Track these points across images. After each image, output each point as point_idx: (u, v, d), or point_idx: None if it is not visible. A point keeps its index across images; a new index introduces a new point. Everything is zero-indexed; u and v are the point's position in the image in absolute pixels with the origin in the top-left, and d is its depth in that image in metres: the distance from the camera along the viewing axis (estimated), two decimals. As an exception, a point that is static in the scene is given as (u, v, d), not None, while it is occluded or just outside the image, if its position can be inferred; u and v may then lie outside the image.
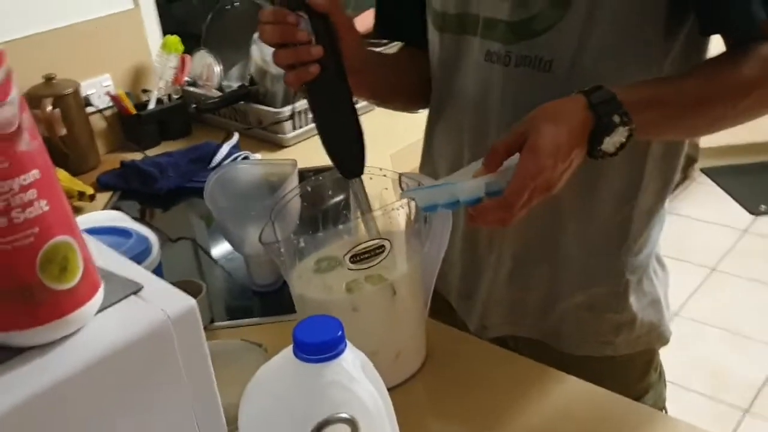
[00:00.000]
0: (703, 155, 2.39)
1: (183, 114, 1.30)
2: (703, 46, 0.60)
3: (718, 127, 0.59)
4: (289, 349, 0.37)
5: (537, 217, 0.52)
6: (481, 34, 0.61)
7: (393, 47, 0.82)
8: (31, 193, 0.30)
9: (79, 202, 1.06)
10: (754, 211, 2.23)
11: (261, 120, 1.25)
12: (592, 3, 0.55)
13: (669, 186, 0.66)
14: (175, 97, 1.30)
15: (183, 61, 1.31)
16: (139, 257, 0.67)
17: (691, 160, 2.39)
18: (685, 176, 2.39)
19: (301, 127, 1.24)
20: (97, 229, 0.69)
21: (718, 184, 2.38)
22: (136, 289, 0.34)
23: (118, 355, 0.31)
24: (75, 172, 1.14)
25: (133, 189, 1.13)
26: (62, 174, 1.07)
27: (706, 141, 2.32)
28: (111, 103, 1.26)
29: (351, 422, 0.34)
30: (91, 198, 1.07)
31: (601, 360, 0.68)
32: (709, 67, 0.58)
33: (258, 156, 1.16)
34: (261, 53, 1.23)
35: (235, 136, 1.19)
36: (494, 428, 0.57)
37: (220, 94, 1.30)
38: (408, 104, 0.78)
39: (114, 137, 1.28)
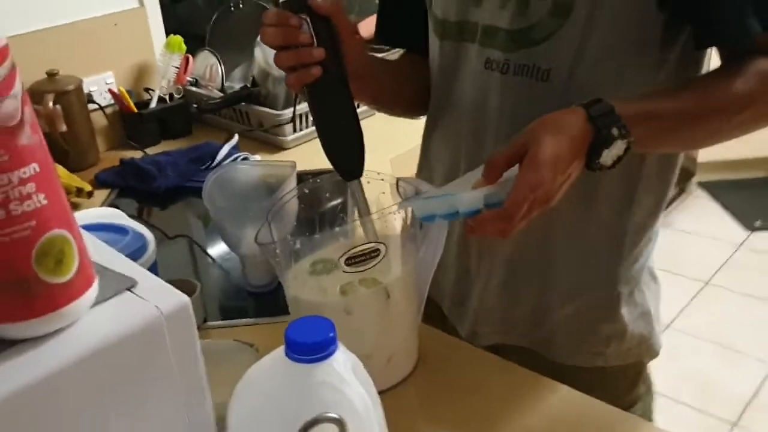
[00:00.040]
0: (700, 169, 2.40)
1: (184, 114, 1.31)
2: (700, 57, 0.61)
3: (714, 140, 0.59)
4: (280, 349, 0.37)
5: (531, 227, 0.52)
6: (481, 41, 0.62)
7: (395, 53, 0.82)
8: (30, 187, 0.31)
9: (76, 198, 1.06)
10: (749, 227, 2.24)
11: (262, 122, 1.25)
12: (590, 14, 0.56)
13: (663, 200, 0.66)
14: (177, 96, 1.31)
15: (186, 61, 1.31)
16: (134, 255, 0.67)
17: (688, 174, 2.40)
18: (682, 190, 2.40)
19: (301, 130, 1.24)
20: (94, 226, 0.70)
21: (715, 199, 2.39)
22: (130, 285, 0.35)
23: (110, 350, 0.31)
24: (74, 169, 1.14)
25: (131, 187, 1.13)
26: (61, 170, 1.07)
27: (704, 155, 2.34)
28: (113, 101, 1.27)
29: (339, 422, 0.34)
30: (89, 195, 1.07)
31: (591, 371, 0.69)
32: (706, 80, 0.58)
33: (257, 157, 1.16)
34: (264, 55, 1.23)
35: (236, 137, 1.20)
36: (484, 435, 0.57)
37: (221, 94, 1.30)
38: (408, 110, 0.78)
39: (114, 135, 1.28)
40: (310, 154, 1.01)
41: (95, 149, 1.23)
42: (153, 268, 0.70)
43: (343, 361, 0.36)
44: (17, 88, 0.30)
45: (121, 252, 0.38)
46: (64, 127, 1.11)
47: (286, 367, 0.36)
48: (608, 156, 0.51)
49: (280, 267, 0.61)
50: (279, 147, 1.24)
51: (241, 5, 1.37)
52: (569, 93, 0.57)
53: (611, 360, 0.69)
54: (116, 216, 0.76)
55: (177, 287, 0.34)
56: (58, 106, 1.11)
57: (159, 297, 0.34)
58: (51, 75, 1.14)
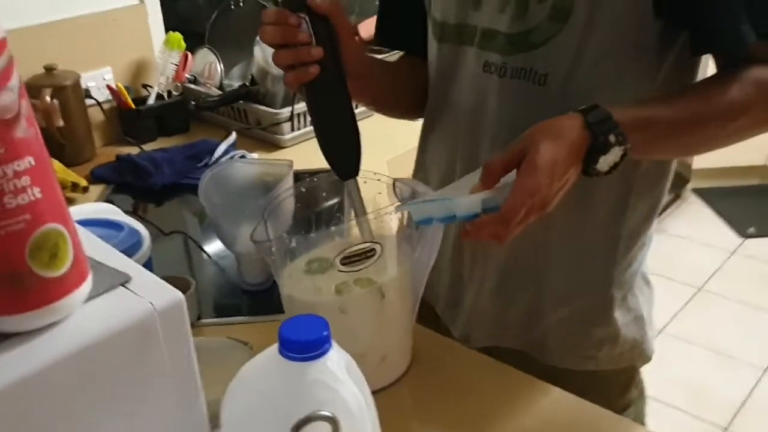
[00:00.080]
0: (694, 176, 2.41)
1: (182, 111, 1.31)
2: (696, 63, 0.61)
3: (709, 146, 0.60)
4: (274, 347, 0.37)
5: (525, 232, 0.53)
6: (479, 45, 0.62)
7: (394, 55, 0.82)
8: (25, 180, 0.30)
9: (72, 193, 1.05)
10: (742, 233, 2.25)
11: (260, 120, 1.25)
12: (589, 19, 0.56)
13: (657, 205, 0.67)
14: (175, 93, 1.31)
15: (185, 58, 1.31)
16: (129, 251, 0.67)
17: (683, 181, 2.41)
18: (677, 196, 2.42)
19: (299, 129, 1.24)
20: (89, 221, 0.69)
21: (709, 205, 2.41)
22: (124, 280, 0.35)
23: (103, 345, 0.31)
24: (70, 164, 1.13)
25: (127, 183, 1.13)
26: (56, 165, 1.07)
27: (699, 162, 2.36)
28: (110, 97, 1.26)
29: (332, 420, 0.34)
30: (84, 190, 1.07)
31: (584, 374, 0.69)
32: (702, 87, 0.58)
33: (255, 156, 1.16)
34: (263, 54, 1.23)
35: (233, 135, 1.20)
36: (476, 436, 0.57)
37: (220, 92, 1.30)
38: (407, 112, 0.79)
39: (111, 131, 1.28)
40: (307, 153, 1.01)
41: (92, 144, 1.22)
42: (148, 265, 0.69)
43: (336, 359, 0.36)
44: (14, 81, 0.30)
45: (116, 248, 0.38)
46: (60, 122, 1.11)
47: (279, 365, 0.36)
48: (605, 162, 0.52)
49: (276, 265, 0.61)
50: (276, 145, 1.24)
51: (241, 4, 1.37)
52: (566, 97, 0.58)
53: (603, 364, 0.69)
54: (111, 211, 0.76)
55: (171, 284, 0.34)
56: (55, 101, 1.10)
57: (153, 293, 0.34)
58: (49, 69, 1.14)
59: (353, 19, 1.57)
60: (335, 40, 0.59)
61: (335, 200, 0.67)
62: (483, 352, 0.69)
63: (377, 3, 0.78)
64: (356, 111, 0.61)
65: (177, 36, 1.29)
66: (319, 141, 0.60)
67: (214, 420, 0.37)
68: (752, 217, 2.32)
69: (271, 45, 0.59)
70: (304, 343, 0.35)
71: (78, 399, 0.31)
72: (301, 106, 1.22)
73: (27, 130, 0.31)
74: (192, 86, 1.34)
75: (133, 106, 1.25)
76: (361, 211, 0.60)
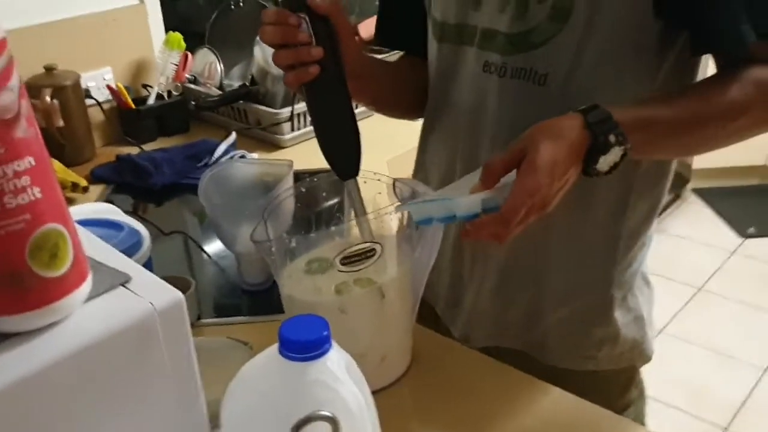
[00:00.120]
0: (695, 176, 2.42)
1: (182, 111, 1.31)
2: (696, 63, 0.61)
3: (709, 146, 0.60)
4: (274, 347, 0.37)
5: (525, 231, 0.53)
6: (479, 45, 0.62)
7: (394, 55, 0.82)
8: (25, 180, 0.30)
9: (72, 193, 1.05)
10: (742, 233, 2.26)
11: (260, 120, 1.25)
12: (589, 19, 0.56)
13: (657, 205, 0.67)
14: (175, 93, 1.31)
15: (185, 58, 1.31)
16: (129, 251, 0.67)
17: (683, 181, 2.41)
18: (677, 196, 2.42)
19: (299, 129, 1.24)
20: (89, 221, 0.69)
21: (709, 205, 2.41)
22: (124, 281, 0.35)
23: (103, 345, 0.31)
24: (70, 164, 1.13)
25: (127, 183, 1.13)
26: (56, 165, 1.07)
27: (699, 162, 2.36)
28: (110, 97, 1.26)
29: (332, 420, 0.34)
30: (84, 190, 1.07)
31: (584, 374, 0.69)
32: (702, 87, 0.58)
33: (255, 156, 1.16)
34: (263, 54, 1.23)
35: (233, 135, 1.20)
36: (477, 436, 0.57)
37: (220, 92, 1.30)
38: (407, 112, 0.79)
39: (111, 131, 1.28)
40: (307, 154, 1.00)
41: (92, 144, 1.22)
42: (148, 265, 0.69)
43: (336, 359, 0.36)
44: (14, 81, 0.30)
45: (116, 248, 0.38)
46: (60, 122, 1.11)
47: (279, 365, 0.36)
48: (605, 162, 0.52)
49: (276, 265, 0.61)
50: (277, 146, 1.24)
51: (241, 4, 1.37)
52: (566, 97, 0.58)
53: (603, 364, 0.69)
54: (111, 211, 0.76)
55: (171, 284, 0.34)
56: (55, 101, 1.10)
57: (153, 293, 0.34)
58: (49, 69, 1.14)
59: (353, 19, 1.57)
60: (335, 40, 0.59)
61: (335, 200, 0.67)
62: (483, 352, 0.69)
63: (377, 3, 0.78)
64: (356, 111, 0.61)
65: (177, 36, 1.29)
66: (319, 141, 0.60)
67: (214, 420, 0.37)
68: (752, 217, 2.32)
69: (271, 45, 0.59)
70: (304, 343, 0.35)
71: (78, 399, 0.31)
72: (301, 106, 1.22)
73: (27, 130, 0.31)
74: (192, 86, 1.34)
75: (133, 106, 1.25)
76: (361, 211, 0.60)
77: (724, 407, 1.61)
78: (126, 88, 1.26)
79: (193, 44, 1.34)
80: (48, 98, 1.09)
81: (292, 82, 0.59)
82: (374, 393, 0.40)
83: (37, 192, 0.31)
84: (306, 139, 1.23)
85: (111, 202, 1.04)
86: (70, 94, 1.15)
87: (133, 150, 1.21)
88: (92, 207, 0.82)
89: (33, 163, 0.31)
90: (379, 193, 0.64)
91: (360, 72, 0.63)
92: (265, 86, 1.25)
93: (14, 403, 0.29)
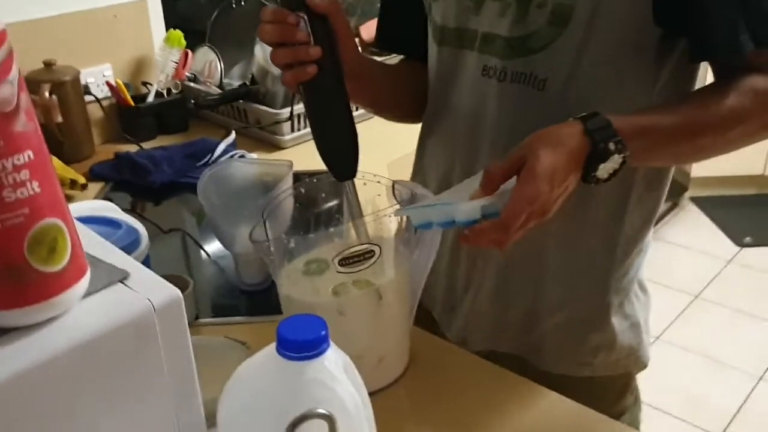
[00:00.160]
0: (692, 184, 2.43)
1: (181, 109, 1.30)
2: (694, 70, 0.62)
3: (706, 154, 0.60)
4: (271, 347, 0.37)
5: (524, 237, 0.53)
6: (479, 48, 0.62)
7: (394, 58, 0.82)
8: (24, 174, 0.30)
9: (70, 190, 1.05)
10: (739, 242, 2.26)
11: (260, 120, 1.25)
12: (588, 25, 0.56)
13: (655, 212, 0.67)
14: (175, 91, 1.30)
15: (185, 56, 1.31)
16: (127, 249, 0.67)
17: (680, 189, 2.42)
18: (675, 204, 2.43)
19: (299, 130, 1.24)
20: (87, 218, 0.69)
21: (706, 214, 2.42)
22: (122, 277, 0.34)
23: (100, 341, 0.31)
24: (68, 161, 1.13)
25: (126, 180, 1.12)
26: (55, 161, 1.06)
27: (697, 171, 2.37)
28: (110, 93, 1.26)
29: (328, 418, 0.34)
30: (83, 187, 1.07)
31: (579, 380, 0.69)
32: (699, 96, 0.59)
33: (254, 156, 1.16)
34: (264, 53, 1.23)
35: (233, 134, 1.20)
36: (473, 439, 0.57)
37: (220, 91, 1.30)
38: (405, 116, 0.78)
39: (110, 128, 1.28)
40: (307, 155, 1.00)
41: (90, 141, 1.22)
42: (145, 263, 0.69)
43: (334, 359, 0.36)
44: (14, 74, 0.30)
45: (114, 245, 0.38)
46: (59, 118, 1.10)
47: (277, 364, 0.36)
48: (604, 169, 0.52)
49: (274, 265, 0.61)
50: (276, 146, 1.23)
51: (242, 2, 1.37)
52: (565, 102, 0.58)
53: (599, 370, 0.69)
54: (110, 209, 0.76)
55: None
56: (54, 97, 1.10)
57: (151, 290, 0.33)
58: (48, 65, 1.14)
59: (355, 20, 1.57)
60: (334, 40, 0.59)
61: (334, 202, 0.67)
62: (479, 357, 0.69)
63: (379, 5, 0.78)
64: (356, 113, 0.61)
65: (177, 34, 1.28)
66: (316, 141, 0.60)
67: (211, 419, 0.37)
68: (749, 226, 2.33)
69: (270, 44, 0.59)
70: (302, 343, 0.35)
71: (75, 394, 0.31)
72: (301, 107, 1.22)
73: (26, 123, 0.31)
74: (192, 84, 1.34)
75: (133, 103, 1.25)
76: (357, 213, 0.60)
77: (718, 415, 1.62)
78: (125, 85, 1.26)
79: (193, 42, 1.34)
80: (47, 94, 1.09)
81: (290, 81, 0.59)
82: (371, 394, 0.40)
83: (36, 186, 0.31)
84: (306, 140, 1.23)
85: (109, 199, 1.04)
86: (69, 90, 1.15)
87: (132, 148, 1.21)
88: (90, 204, 0.82)
89: (32, 157, 0.31)
90: (379, 195, 0.64)
91: (358, 73, 0.63)
92: (266, 86, 1.25)
93: (12, 397, 0.29)
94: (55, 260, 0.31)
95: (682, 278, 2.07)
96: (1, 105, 0.29)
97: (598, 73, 0.58)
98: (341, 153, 0.60)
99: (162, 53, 1.29)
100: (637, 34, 0.57)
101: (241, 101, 1.26)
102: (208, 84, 1.34)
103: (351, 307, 0.59)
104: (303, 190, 0.67)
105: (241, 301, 0.84)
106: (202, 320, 0.77)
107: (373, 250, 0.56)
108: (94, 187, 1.10)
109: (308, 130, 1.24)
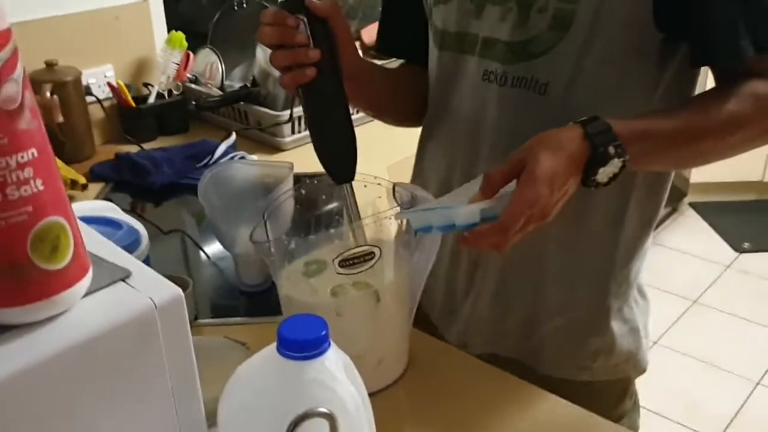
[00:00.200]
0: (691, 190, 2.43)
1: (182, 110, 1.31)
2: (694, 76, 0.62)
3: (706, 159, 0.60)
4: (272, 347, 0.37)
5: (524, 241, 0.53)
6: (480, 53, 0.62)
7: (395, 62, 0.83)
8: (28, 172, 0.30)
9: (70, 190, 1.05)
10: (737, 248, 2.27)
11: (260, 122, 1.25)
12: (590, 30, 0.56)
13: (654, 217, 0.67)
14: (176, 93, 1.31)
15: (186, 58, 1.31)
16: (127, 249, 0.66)
17: (679, 194, 2.43)
18: (674, 209, 2.43)
19: (299, 132, 1.24)
20: (88, 219, 0.69)
21: (705, 219, 2.42)
22: (124, 276, 0.35)
23: (102, 339, 0.31)
24: (69, 161, 1.13)
25: (126, 181, 1.12)
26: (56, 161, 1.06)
27: (696, 176, 2.37)
28: (111, 94, 1.26)
29: (330, 417, 0.34)
30: (83, 187, 1.07)
31: (578, 384, 0.69)
32: (700, 101, 0.59)
33: (254, 157, 1.16)
34: (265, 55, 1.24)
35: (233, 136, 1.20)
36: (472, 441, 0.57)
37: (221, 93, 1.30)
38: (405, 120, 0.79)
39: (111, 129, 1.28)
40: (307, 157, 1.00)
41: (91, 142, 1.22)
42: (146, 263, 0.69)
43: (334, 359, 0.36)
44: (18, 72, 0.30)
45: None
46: (60, 118, 1.11)
47: (277, 363, 0.36)
48: (604, 173, 0.52)
49: (274, 266, 0.61)
50: (277, 148, 1.24)
51: (244, 5, 1.37)
52: (566, 107, 0.58)
53: (598, 374, 0.69)
54: (110, 209, 0.76)
55: (169, 282, 0.34)
56: (55, 97, 1.10)
57: (152, 289, 0.34)
58: (49, 65, 1.14)
59: (356, 24, 1.58)
60: (333, 43, 0.59)
61: (335, 203, 0.67)
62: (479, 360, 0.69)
63: (380, 8, 0.78)
64: (356, 116, 0.61)
65: (179, 35, 1.29)
66: (314, 144, 0.60)
67: (212, 418, 0.37)
68: (747, 232, 2.33)
69: (269, 46, 0.59)
70: (303, 343, 0.35)
71: (76, 392, 0.31)
72: (301, 109, 1.22)
73: (31, 121, 0.31)
74: (193, 86, 1.34)
75: (134, 104, 1.25)
76: (355, 216, 0.60)
77: (716, 419, 1.62)
78: (127, 86, 1.26)
79: (195, 44, 1.34)
80: (48, 94, 1.09)
81: (289, 83, 0.59)
82: (371, 395, 0.40)
83: (39, 184, 0.31)
84: (306, 143, 1.23)
85: (110, 200, 1.04)
86: (71, 90, 1.15)
87: (133, 148, 1.21)
88: (91, 204, 0.82)
89: (36, 155, 0.31)
90: (379, 197, 0.64)
91: (358, 76, 0.63)
92: (267, 88, 1.26)
93: (13, 395, 0.29)
94: (57, 258, 0.31)
95: (681, 283, 2.08)
96: (5, 103, 0.30)
97: (600, 77, 0.58)
98: (340, 156, 0.60)
99: (163, 54, 1.29)
100: (638, 38, 0.57)
101: (241, 103, 1.26)
102: (209, 86, 1.34)
103: (348, 308, 0.59)
104: (303, 192, 0.67)
105: (241, 302, 0.84)
106: (201, 321, 0.77)
107: (373, 252, 0.56)
108: (95, 187, 1.10)
109: (308, 132, 1.24)
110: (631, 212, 0.64)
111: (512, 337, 0.70)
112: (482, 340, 0.72)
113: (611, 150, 0.51)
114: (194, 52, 1.35)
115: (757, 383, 1.73)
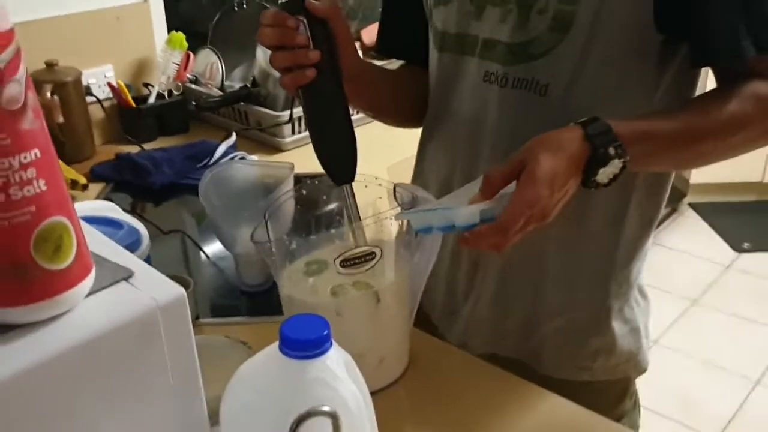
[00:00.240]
0: (691, 190, 2.44)
1: (182, 110, 1.31)
2: (695, 76, 0.62)
3: (707, 160, 0.60)
4: (274, 346, 0.37)
5: (524, 241, 0.53)
6: (480, 54, 0.62)
7: (395, 63, 0.83)
8: (31, 172, 0.31)
9: (71, 190, 1.05)
10: (737, 248, 2.27)
11: (260, 122, 1.25)
12: (590, 31, 0.56)
13: (655, 217, 0.67)
14: (176, 93, 1.31)
15: (187, 58, 1.31)
16: (128, 249, 0.66)
17: (679, 195, 2.43)
18: (673, 209, 2.44)
19: (300, 132, 1.24)
20: (88, 219, 0.69)
21: (705, 220, 2.43)
22: (126, 275, 0.35)
23: (105, 339, 0.31)
24: (69, 161, 1.13)
25: (126, 181, 1.12)
26: (56, 161, 1.06)
27: (696, 177, 2.38)
28: (111, 95, 1.26)
29: (332, 416, 0.34)
30: (84, 187, 1.07)
31: (579, 384, 0.69)
32: (701, 101, 0.59)
33: (254, 158, 1.16)
34: (265, 55, 1.24)
35: (233, 136, 1.20)
36: (473, 440, 0.57)
37: (221, 93, 1.31)
38: (405, 121, 0.79)
39: (111, 129, 1.28)
40: (307, 157, 1.00)
41: (91, 142, 1.22)
42: (146, 263, 0.69)
43: (336, 359, 0.37)
44: (21, 73, 0.31)
45: (117, 244, 0.38)
46: (60, 119, 1.11)
47: (280, 363, 0.36)
48: (604, 174, 0.52)
49: (275, 266, 0.61)
50: (277, 148, 1.24)
51: (244, 5, 1.37)
52: (567, 108, 0.58)
53: (598, 375, 0.69)
54: (111, 209, 0.76)
55: (171, 282, 0.34)
56: (55, 97, 1.10)
57: (155, 288, 0.34)
58: (50, 65, 1.14)
59: (356, 24, 1.58)
60: (333, 44, 0.59)
61: (335, 203, 0.67)
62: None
63: (380, 9, 0.78)
64: (356, 116, 0.61)
65: (179, 35, 1.29)
66: (314, 145, 0.60)
67: (214, 417, 0.37)
68: (747, 232, 2.34)
69: (269, 47, 0.59)
70: (305, 342, 0.35)
71: (79, 392, 0.31)
72: (301, 110, 1.22)
73: (33, 121, 0.31)
74: (193, 86, 1.34)
75: (134, 104, 1.25)
76: (354, 217, 0.60)
77: (715, 418, 1.62)
78: (127, 86, 1.26)
79: (195, 44, 1.35)
80: (48, 94, 1.09)
81: (289, 84, 0.59)
82: (371, 394, 0.40)
83: (42, 184, 0.31)
84: (306, 143, 1.23)
85: (110, 200, 1.04)
86: (71, 90, 1.15)
87: (133, 149, 1.21)
88: (92, 204, 0.82)
89: (39, 155, 0.31)
90: (380, 197, 0.64)
91: (358, 76, 0.63)
92: (267, 88, 1.26)
93: (17, 394, 0.29)
94: (60, 258, 0.31)
95: (681, 283, 2.08)
96: (8, 103, 0.30)
97: (600, 78, 0.58)
98: (340, 157, 0.60)
99: (164, 55, 1.29)
100: (638, 39, 0.57)
101: (242, 103, 1.26)
102: (210, 86, 1.34)
103: (348, 308, 0.59)
104: (304, 192, 0.67)
105: (241, 302, 0.84)
106: (202, 320, 0.77)
107: (374, 252, 0.56)
108: (95, 187, 1.10)
109: (308, 133, 1.24)
110: (631, 213, 0.64)
111: (512, 338, 0.70)
112: (482, 340, 0.72)
113: (611, 151, 0.52)
114: (194, 53, 1.35)
115: (757, 382, 1.73)
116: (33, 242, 0.30)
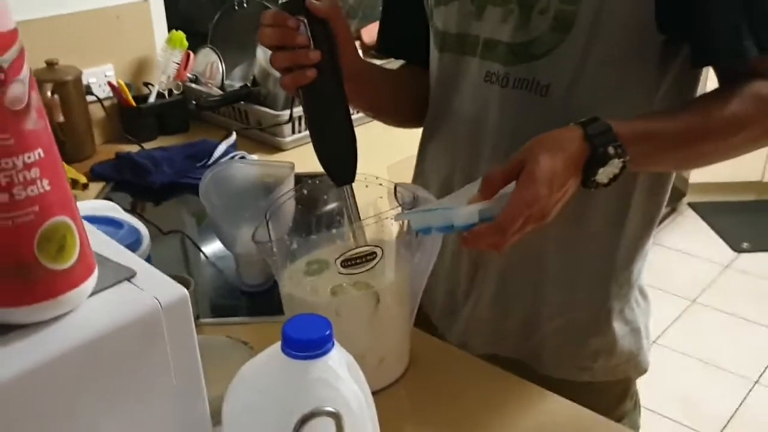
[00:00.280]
0: (691, 190, 2.44)
1: (182, 110, 1.31)
2: (696, 76, 0.62)
3: (708, 160, 0.60)
4: (276, 346, 0.37)
5: (523, 241, 0.53)
6: (481, 54, 0.62)
7: (395, 63, 0.83)
8: (34, 172, 0.31)
9: (71, 190, 1.05)
10: (736, 248, 2.28)
11: (260, 121, 1.25)
12: (591, 31, 0.56)
13: (655, 218, 0.67)
14: (176, 92, 1.31)
15: (187, 57, 1.31)
16: (129, 248, 0.67)
17: (679, 194, 2.43)
18: (673, 209, 2.44)
19: (300, 132, 1.24)
20: (89, 218, 0.69)
21: (704, 219, 2.43)
22: (129, 275, 0.35)
23: (107, 339, 0.31)
24: (70, 160, 1.13)
25: (126, 181, 1.12)
26: (56, 160, 1.06)
27: (695, 177, 2.38)
28: (111, 94, 1.26)
29: (336, 416, 0.34)
30: (84, 187, 1.07)
31: (579, 385, 0.69)
32: (702, 101, 0.59)
33: (255, 157, 1.16)
34: (266, 55, 1.24)
35: (233, 135, 1.20)
36: (473, 440, 0.58)
37: (221, 92, 1.30)
38: (405, 121, 0.78)
39: (111, 128, 1.28)
40: (307, 157, 1.00)
41: (92, 141, 1.22)
42: (147, 263, 0.69)
43: (338, 358, 0.37)
44: (25, 73, 0.31)
45: (118, 244, 0.38)
46: (61, 118, 1.11)
47: (282, 363, 0.36)
48: (604, 174, 0.52)
49: (276, 266, 0.61)
50: (277, 148, 1.24)
51: (244, 4, 1.37)
52: (568, 108, 0.58)
53: (598, 375, 0.70)
54: (111, 209, 0.76)
55: (172, 281, 0.34)
56: (56, 96, 1.10)
57: (157, 288, 0.34)
58: (50, 64, 1.14)
59: (356, 23, 1.58)
60: (333, 44, 0.59)
61: (336, 203, 0.67)
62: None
63: (380, 8, 0.78)
64: (357, 116, 0.61)
65: (180, 35, 1.29)
66: (314, 145, 0.60)
67: (216, 417, 0.37)
68: (746, 232, 2.34)
69: (269, 47, 0.59)
70: (307, 342, 0.36)
71: (82, 392, 0.31)
72: (302, 109, 1.22)
73: (37, 121, 0.31)
74: (193, 86, 1.34)
75: (134, 103, 1.25)
76: (354, 217, 0.60)
77: (715, 418, 1.62)
78: (127, 85, 1.26)
79: (195, 44, 1.34)
80: (49, 93, 1.09)
81: (289, 84, 0.59)
82: (372, 394, 0.40)
83: (46, 184, 0.31)
84: (306, 143, 1.23)
85: (110, 199, 1.04)
86: (71, 89, 1.15)
87: (133, 148, 1.21)
88: (92, 204, 0.82)
89: (42, 155, 0.31)
90: (381, 197, 0.64)
91: (358, 76, 0.63)
92: (267, 88, 1.26)
93: (20, 394, 0.29)
94: (63, 258, 0.31)
95: (680, 283, 2.08)
96: (12, 103, 0.30)
97: (601, 78, 0.58)
98: (340, 157, 0.60)
99: (164, 54, 1.29)
100: (639, 39, 0.57)
101: (242, 103, 1.26)
102: (210, 85, 1.34)
103: (347, 308, 0.59)
104: (305, 192, 0.67)
105: (242, 302, 0.84)
106: (202, 320, 0.77)
107: (375, 252, 0.56)
108: (95, 187, 1.10)
109: (308, 132, 1.24)
110: (632, 213, 0.64)
111: (512, 338, 0.71)
112: (482, 340, 0.72)
113: (611, 150, 0.52)
114: (194, 52, 1.35)
115: (756, 382, 1.73)
116: (36, 242, 0.30)
